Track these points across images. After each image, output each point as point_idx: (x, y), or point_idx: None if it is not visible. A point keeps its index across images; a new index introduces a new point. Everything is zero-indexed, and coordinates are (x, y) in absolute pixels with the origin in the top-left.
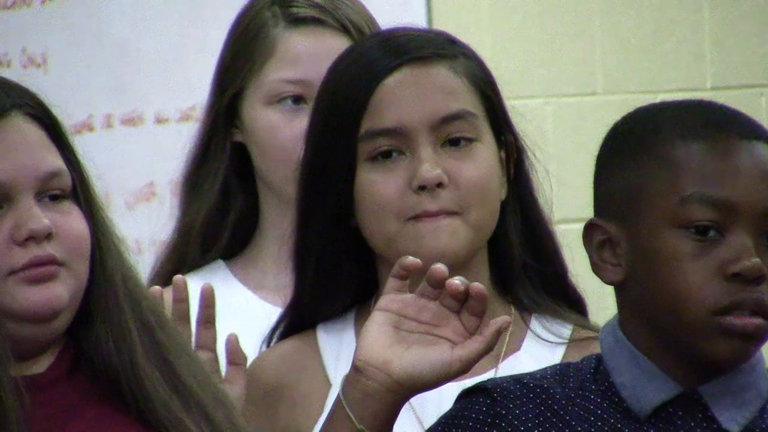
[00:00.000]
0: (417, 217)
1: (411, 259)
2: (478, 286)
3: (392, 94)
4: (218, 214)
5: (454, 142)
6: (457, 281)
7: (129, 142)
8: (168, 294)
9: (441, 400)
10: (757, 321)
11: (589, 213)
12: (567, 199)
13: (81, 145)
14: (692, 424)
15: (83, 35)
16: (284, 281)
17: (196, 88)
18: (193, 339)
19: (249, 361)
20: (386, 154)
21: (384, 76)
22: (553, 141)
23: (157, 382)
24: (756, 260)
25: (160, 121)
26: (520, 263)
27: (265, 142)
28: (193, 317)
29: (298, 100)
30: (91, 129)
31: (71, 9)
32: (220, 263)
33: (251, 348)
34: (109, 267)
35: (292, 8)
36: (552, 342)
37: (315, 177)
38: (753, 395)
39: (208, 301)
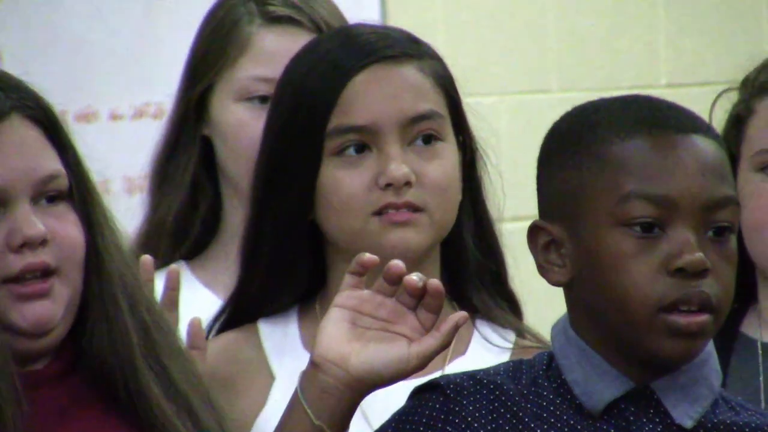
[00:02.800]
0: (381, 211)
1: (368, 256)
2: (436, 282)
3: (363, 92)
4: (189, 208)
5: (423, 140)
6: (414, 277)
7: (83, 139)
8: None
9: (388, 397)
10: (701, 318)
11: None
12: (520, 197)
13: None
14: (645, 420)
15: (38, 31)
16: None
17: (151, 85)
18: None
19: None
20: (355, 149)
21: (354, 74)
22: (507, 139)
23: (153, 383)
24: (699, 254)
25: (114, 117)
26: (475, 265)
27: (232, 138)
28: None
29: (265, 99)
30: None
31: (26, 4)
32: (182, 264)
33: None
34: (107, 268)
35: (269, 6)
36: (498, 347)
37: (275, 171)
38: (705, 390)
39: (172, 283)
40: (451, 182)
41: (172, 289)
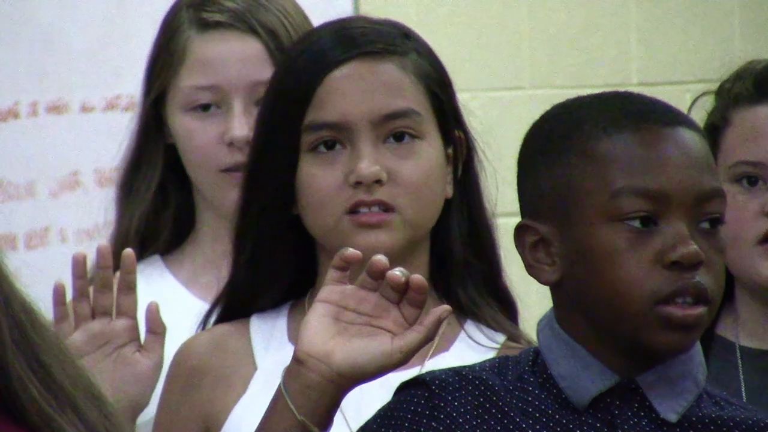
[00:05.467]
0: (353, 210)
1: (351, 251)
2: (418, 277)
3: (337, 88)
4: (154, 214)
5: (396, 138)
6: (397, 272)
7: (54, 130)
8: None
9: (363, 394)
10: (697, 311)
11: (510, 207)
12: (490, 194)
13: (6, 132)
14: (629, 413)
15: (8, 21)
16: (216, 279)
17: (122, 77)
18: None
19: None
20: (328, 145)
21: (331, 69)
22: (477, 136)
23: (28, 381)
24: (693, 247)
25: (85, 109)
26: (462, 263)
27: (184, 147)
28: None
29: (206, 107)
30: (16, 116)
31: None
32: (157, 257)
33: (180, 341)
34: None
35: (203, 13)
36: (483, 346)
37: (259, 164)
38: (689, 385)
39: (128, 267)
40: (426, 181)
41: (128, 272)
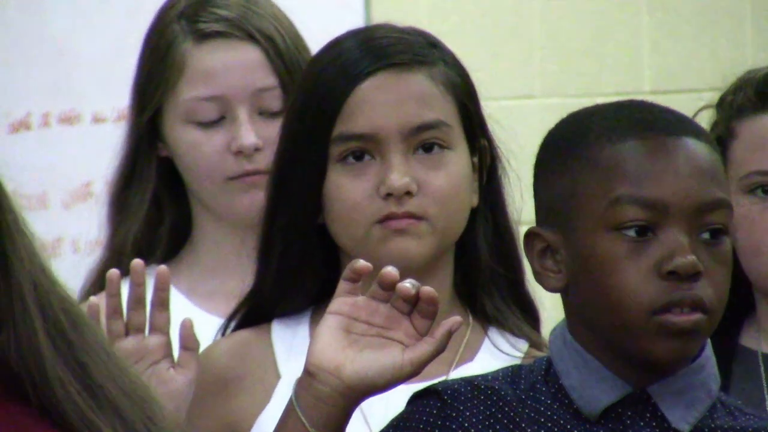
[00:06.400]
0: (383, 220)
1: (362, 263)
2: (428, 289)
3: (367, 100)
4: (150, 228)
5: (426, 149)
6: (407, 284)
7: (66, 141)
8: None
9: (388, 401)
10: (695, 317)
11: (522, 216)
12: None
13: (19, 143)
14: (641, 424)
15: (21, 33)
16: (216, 288)
17: None
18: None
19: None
20: (357, 156)
21: (361, 81)
22: (501, 143)
23: (68, 383)
24: (690, 257)
25: (97, 120)
26: (488, 272)
27: (187, 159)
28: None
29: (213, 121)
30: (28, 127)
31: (9, 7)
32: (153, 268)
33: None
34: (16, 273)
35: (198, 23)
36: (508, 355)
37: (285, 173)
38: (702, 394)
39: (162, 284)
40: (456, 191)
41: (162, 289)
